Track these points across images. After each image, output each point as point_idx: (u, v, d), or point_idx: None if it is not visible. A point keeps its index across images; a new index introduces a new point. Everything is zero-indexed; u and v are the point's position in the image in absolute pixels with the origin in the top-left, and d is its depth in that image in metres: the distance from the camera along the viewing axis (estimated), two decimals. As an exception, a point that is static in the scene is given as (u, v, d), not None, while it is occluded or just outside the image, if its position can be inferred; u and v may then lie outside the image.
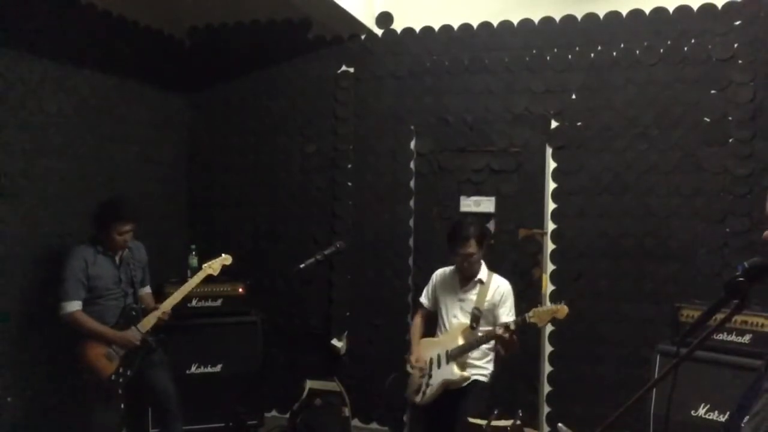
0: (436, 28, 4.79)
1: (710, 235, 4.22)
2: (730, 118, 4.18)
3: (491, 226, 4.68)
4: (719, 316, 1.77)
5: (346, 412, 4.40)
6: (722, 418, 3.47)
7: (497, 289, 3.68)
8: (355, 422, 4.77)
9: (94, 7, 4.41)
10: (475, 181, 4.71)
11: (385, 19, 4.89)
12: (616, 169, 4.42)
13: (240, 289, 4.68)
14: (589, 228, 4.48)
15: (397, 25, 4.87)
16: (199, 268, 4.11)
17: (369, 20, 4.83)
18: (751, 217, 4.10)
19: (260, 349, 4.71)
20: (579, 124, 4.50)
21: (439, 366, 3.66)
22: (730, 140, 4.18)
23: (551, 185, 4.57)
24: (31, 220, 3.91)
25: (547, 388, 4.57)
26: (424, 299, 3.94)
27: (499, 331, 3.43)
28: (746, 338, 3.54)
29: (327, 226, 5.05)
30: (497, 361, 3.77)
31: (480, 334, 3.60)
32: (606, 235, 4.44)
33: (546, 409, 4.57)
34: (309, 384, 4.45)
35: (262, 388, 4.75)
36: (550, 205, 4.57)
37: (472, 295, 3.68)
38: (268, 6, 5.04)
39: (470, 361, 3.64)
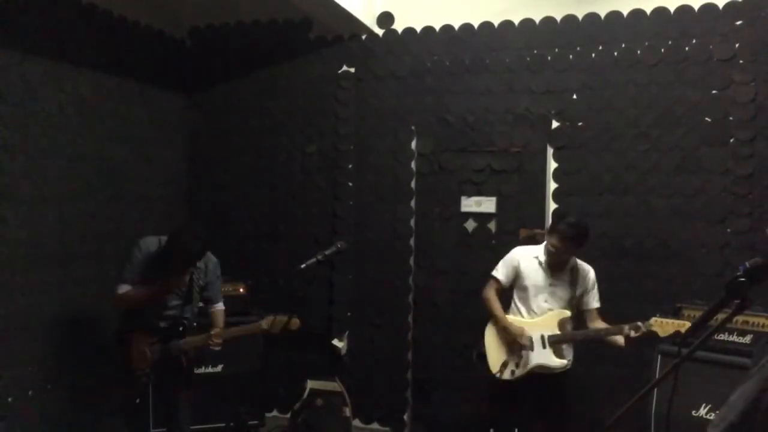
0: (437, 28, 4.79)
1: (711, 236, 4.21)
2: (731, 118, 4.18)
3: (492, 226, 4.68)
4: (720, 317, 1.77)
5: (347, 412, 4.40)
6: (723, 419, 3.47)
7: (587, 276, 3.77)
8: (356, 422, 4.77)
9: (95, 7, 4.42)
10: (476, 181, 4.71)
11: (385, 19, 4.89)
12: (617, 170, 4.42)
13: (241, 289, 4.68)
14: (590, 228, 4.47)
15: (398, 25, 4.87)
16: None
17: (370, 20, 4.83)
18: (753, 217, 4.10)
19: (261, 349, 4.70)
20: (580, 124, 4.50)
21: (532, 349, 3.68)
22: (731, 140, 4.18)
23: (552, 185, 4.57)
24: (32, 220, 3.91)
25: (548, 389, 4.56)
26: (501, 276, 3.84)
27: (632, 333, 3.48)
28: (747, 338, 3.54)
29: (328, 226, 5.05)
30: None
31: (569, 328, 3.71)
32: (607, 235, 4.43)
33: (547, 410, 4.57)
34: (310, 384, 4.45)
35: (262, 388, 4.75)
36: (551, 206, 4.57)
37: (564, 282, 3.73)
38: (269, 6, 5.04)
39: (563, 348, 3.74)
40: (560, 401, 3.81)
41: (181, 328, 3.69)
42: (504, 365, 3.71)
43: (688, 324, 3.39)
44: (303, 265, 3.85)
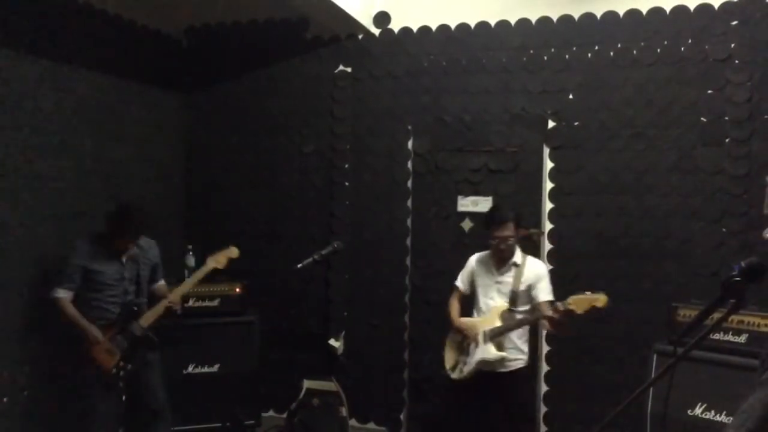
0: (434, 27, 4.79)
1: (707, 235, 4.22)
2: (726, 118, 4.19)
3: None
4: (716, 316, 1.78)
5: (344, 412, 4.40)
6: (719, 418, 3.48)
7: (532, 270, 3.75)
8: (353, 422, 4.77)
9: (92, 7, 4.40)
10: (473, 180, 4.72)
11: (382, 18, 4.89)
12: (614, 169, 4.43)
13: (237, 289, 4.68)
14: (586, 228, 4.49)
15: (395, 25, 4.88)
16: (197, 268, 4.10)
17: (366, 20, 4.83)
18: (748, 216, 4.11)
19: (257, 348, 4.71)
20: (576, 124, 4.51)
21: (476, 345, 3.72)
22: (727, 140, 4.19)
23: (548, 185, 4.57)
24: (30, 219, 3.90)
25: (544, 388, 4.57)
26: (459, 283, 3.97)
27: (549, 312, 3.51)
28: (743, 338, 3.55)
29: (325, 226, 5.05)
30: (533, 342, 3.86)
31: (519, 316, 3.70)
32: (603, 235, 4.44)
33: (543, 409, 4.57)
34: (306, 384, 4.45)
35: (259, 388, 4.75)
36: (548, 205, 4.57)
37: (509, 278, 3.76)
38: (266, 5, 5.03)
39: (508, 341, 3.72)
40: (510, 403, 3.77)
41: (135, 308, 3.76)
42: (455, 365, 3.81)
43: (601, 296, 3.37)
44: (300, 265, 3.87)
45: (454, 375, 3.82)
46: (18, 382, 3.83)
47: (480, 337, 3.71)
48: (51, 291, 3.67)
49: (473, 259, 3.96)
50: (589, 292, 3.43)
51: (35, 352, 3.93)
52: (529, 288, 3.73)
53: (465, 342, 3.81)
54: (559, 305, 3.47)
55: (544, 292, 3.72)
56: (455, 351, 3.88)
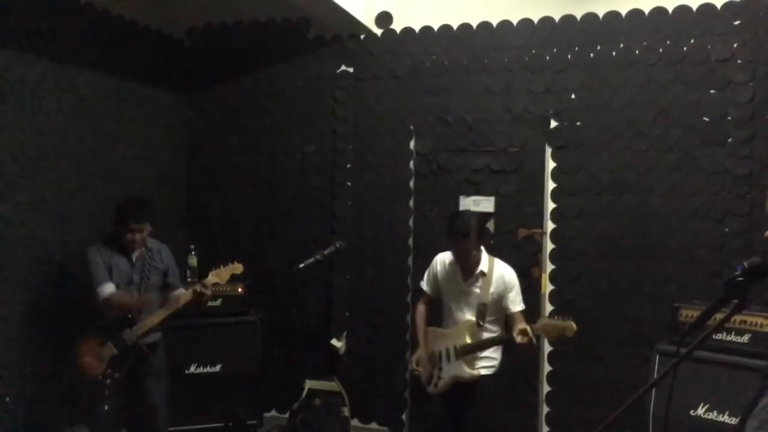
0: (436, 27, 4.79)
1: (709, 235, 4.22)
2: (729, 118, 4.18)
3: (491, 225, 4.68)
4: (719, 316, 1.77)
5: (346, 412, 4.40)
6: (721, 418, 3.48)
7: (501, 278, 3.59)
8: (355, 422, 4.77)
9: (94, 7, 4.41)
10: (475, 180, 4.72)
11: (384, 18, 4.89)
12: (616, 169, 4.42)
13: (239, 289, 4.68)
14: (588, 228, 4.48)
15: (397, 25, 4.88)
16: (198, 268, 4.10)
17: (368, 20, 4.83)
18: (751, 216, 4.11)
19: (259, 349, 4.70)
20: (578, 124, 4.50)
21: (449, 360, 3.62)
22: (729, 140, 4.19)
23: (551, 185, 4.57)
24: (31, 219, 3.91)
25: (546, 388, 4.57)
26: (426, 286, 3.85)
27: (518, 338, 3.38)
28: (745, 338, 3.54)
29: (326, 226, 5.05)
30: (505, 349, 3.73)
31: (489, 326, 3.58)
32: (605, 235, 4.44)
33: (545, 409, 4.57)
34: (308, 384, 4.46)
35: (261, 388, 4.75)
36: (550, 205, 4.57)
37: (476, 288, 3.60)
38: (268, 6, 5.04)
39: (479, 353, 3.60)
40: (472, 406, 3.61)
41: (130, 315, 3.66)
42: (429, 378, 3.71)
43: (570, 326, 3.28)
44: (301, 265, 3.86)
45: (430, 389, 3.72)
46: (20, 382, 3.83)
47: (451, 353, 3.60)
48: (96, 294, 3.60)
49: (437, 262, 3.80)
50: (558, 317, 3.36)
51: (36, 352, 3.93)
52: (498, 298, 3.58)
53: (436, 353, 3.68)
54: (529, 330, 3.35)
55: (515, 303, 3.59)
56: (428, 363, 3.74)
